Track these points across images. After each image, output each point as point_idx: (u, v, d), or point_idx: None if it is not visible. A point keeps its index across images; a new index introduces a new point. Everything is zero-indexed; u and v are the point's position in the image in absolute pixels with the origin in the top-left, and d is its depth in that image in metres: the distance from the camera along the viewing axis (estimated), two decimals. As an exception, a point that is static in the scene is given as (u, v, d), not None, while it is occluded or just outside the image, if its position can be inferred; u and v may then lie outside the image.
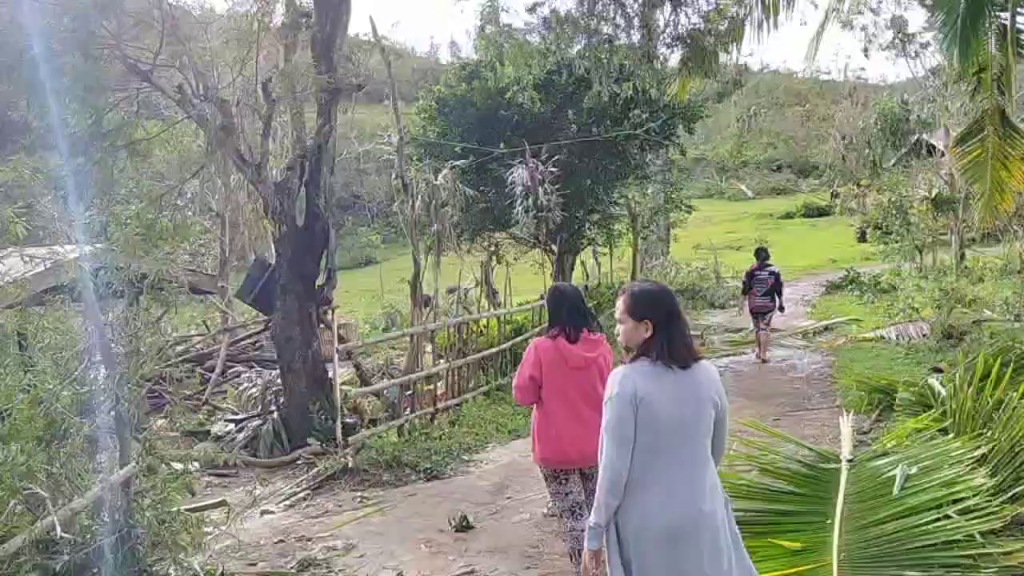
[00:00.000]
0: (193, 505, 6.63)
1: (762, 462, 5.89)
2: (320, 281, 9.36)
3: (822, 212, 37.91)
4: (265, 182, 9.00)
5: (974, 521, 4.31)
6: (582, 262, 17.41)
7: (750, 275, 12.57)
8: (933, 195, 19.76)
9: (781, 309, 12.79)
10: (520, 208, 12.66)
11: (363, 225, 36.81)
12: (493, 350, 11.03)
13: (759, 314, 12.55)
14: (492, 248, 17.23)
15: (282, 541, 6.23)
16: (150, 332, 4.78)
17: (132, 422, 4.92)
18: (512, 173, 12.71)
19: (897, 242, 19.93)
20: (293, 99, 9.35)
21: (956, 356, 9.57)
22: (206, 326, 16.48)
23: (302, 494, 7.40)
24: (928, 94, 23.31)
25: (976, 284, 16.09)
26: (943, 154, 22.84)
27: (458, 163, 11.62)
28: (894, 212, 20.28)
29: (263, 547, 6.14)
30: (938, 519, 4.49)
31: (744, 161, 49.75)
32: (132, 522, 4.92)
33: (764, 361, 12.53)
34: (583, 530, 3.34)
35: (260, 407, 9.93)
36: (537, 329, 11.27)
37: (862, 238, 28.70)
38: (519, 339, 11.32)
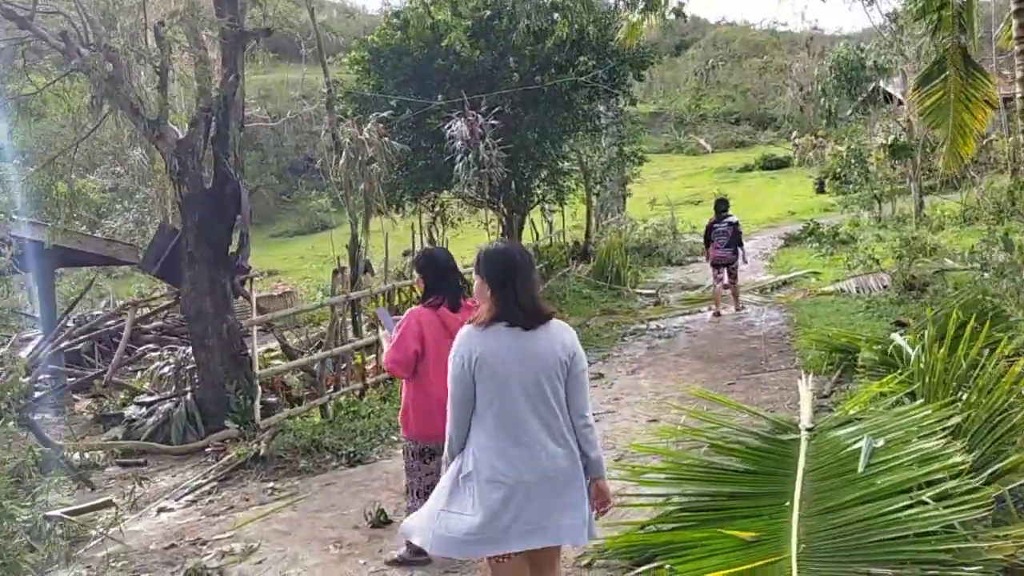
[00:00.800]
0: (75, 507, 5.88)
1: (712, 437, 5.24)
2: (234, 248, 8.52)
3: (781, 164, 37.45)
4: (165, 139, 8.09)
5: (953, 510, 3.68)
6: (531, 221, 16.58)
7: (709, 228, 12.55)
8: (890, 142, 19.32)
9: (744, 260, 12.75)
10: (460, 165, 11.78)
11: (316, 188, 35.50)
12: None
13: (719, 265, 12.42)
14: (437, 209, 16.41)
15: (174, 546, 5.47)
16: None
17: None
18: (451, 127, 11.80)
19: (856, 191, 19.48)
20: (196, 46, 8.44)
21: (919, 309, 9.04)
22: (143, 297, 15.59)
23: (208, 487, 6.63)
24: (885, 39, 22.71)
25: (936, 232, 15.69)
26: (900, 102, 22.37)
27: (383, 114, 10.67)
28: (852, 161, 19.84)
29: (151, 553, 5.38)
30: (911, 505, 3.86)
31: (702, 115, 49.04)
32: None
33: (740, 310, 12.57)
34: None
35: (174, 387, 9.12)
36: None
37: (821, 189, 28.41)
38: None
